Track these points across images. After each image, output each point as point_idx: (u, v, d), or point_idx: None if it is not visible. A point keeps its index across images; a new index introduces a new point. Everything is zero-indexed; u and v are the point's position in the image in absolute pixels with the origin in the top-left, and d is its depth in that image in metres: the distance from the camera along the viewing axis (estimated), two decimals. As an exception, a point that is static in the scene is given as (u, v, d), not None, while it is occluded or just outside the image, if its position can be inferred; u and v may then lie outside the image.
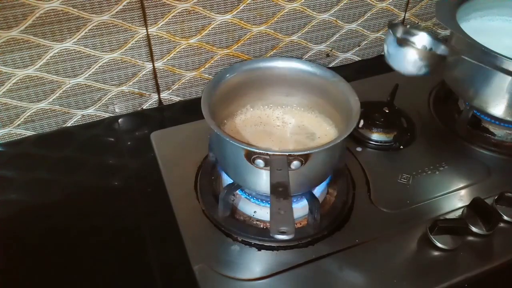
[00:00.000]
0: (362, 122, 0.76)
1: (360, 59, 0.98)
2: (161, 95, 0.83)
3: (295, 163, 0.51)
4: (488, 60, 0.67)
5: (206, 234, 0.61)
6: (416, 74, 0.65)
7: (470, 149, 0.76)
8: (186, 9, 0.73)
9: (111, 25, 0.70)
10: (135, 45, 0.74)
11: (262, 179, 0.56)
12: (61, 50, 0.69)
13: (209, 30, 0.78)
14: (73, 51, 0.70)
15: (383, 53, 0.99)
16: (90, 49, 0.71)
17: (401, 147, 0.75)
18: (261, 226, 0.62)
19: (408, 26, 0.68)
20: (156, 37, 0.75)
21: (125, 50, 0.74)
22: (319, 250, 0.60)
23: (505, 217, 0.63)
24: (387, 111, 0.78)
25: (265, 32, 0.83)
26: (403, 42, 0.66)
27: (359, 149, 0.74)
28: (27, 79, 0.70)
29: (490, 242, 0.61)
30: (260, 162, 0.52)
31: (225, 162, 0.60)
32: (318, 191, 0.64)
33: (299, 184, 0.57)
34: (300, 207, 0.64)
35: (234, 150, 0.54)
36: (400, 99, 0.81)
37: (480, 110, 0.76)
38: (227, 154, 0.58)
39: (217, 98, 0.60)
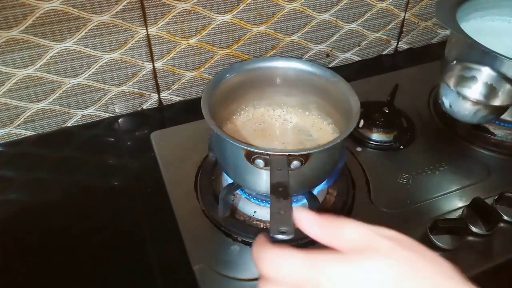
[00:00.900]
0: (362, 122, 0.76)
1: (360, 59, 0.98)
2: (161, 95, 0.83)
3: (295, 163, 0.51)
4: (488, 60, 0.67)
5: (206, 234, 0.61)
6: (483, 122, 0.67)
7: (470, 149, 0.76)
8: (186, 9, 0.74)
9: (111, 25, 0.70)
10: (135, 45, 0.74)
11: (261, 179, 0.56)
12: (61, 50, 0.69)
13: (209, 30, 0.78)
14: (73, 51, 0.70)
15: (384, 53, 0.99)
16: (90, 49, 0.71)
17: (401, 147, 0.75)
18: (261, 226, 0.62)
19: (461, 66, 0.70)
20: (156, 37, 0.75)
21: (125, 50, 0.74)
22: (319, 250, 0.60)
23: (505, 217, 0.63)
24: (387, 111, 0.78)
25: (265, 32, 0.83)
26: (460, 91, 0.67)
27: (359, 149, 0.74)
28: (27, 79, 0.70)
29: (490, 242, 0.61)
30: (260, 162, 0.52)
31: (225, 162, 0.60)
32: (318, 191, 0.64)
33: (298, 184, 0.57)
34: (300, 207, 0.63)
35: (234, 150, 0.54)
36: (400, 99, 0.81)
37: (480, 110, 0.76)
38: (227, 154, 0.58)
39: (217, 98, 0.60)
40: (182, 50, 0.78)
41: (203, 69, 0.83)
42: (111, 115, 0.81)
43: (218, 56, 0.82)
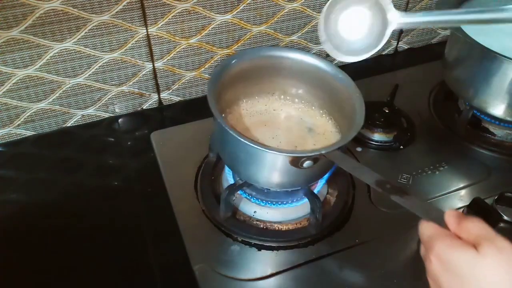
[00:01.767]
0: (362, 122, 0.76)
1: (360, 59, 0.98)
2: (161, 95, 0.83)
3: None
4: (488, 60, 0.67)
5: (206, 234, 0.61)
6: None
7: (470, 149, 0.76)
8: (186, 9, 0.73)
9: (111, 25, 0.70)
10: (135, 45, 0.74)
11: (275, 175, 0.56)
12: (61, 50, 0.69)
13: (209, 30, 0.78)
14: (73, 51, 0.70)
15: (384, 53, 0.99)
16: (90, 49, 0.71)
17: (401, 147, 0.75)
18: (261, 226, 0.62)
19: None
20: (156, 37, 0.75)
21: (125, 50, 0.74)
22: (319, 250, 0.60)
23: (505, 217, 0.63)
24: (387, 111, 0.78)
25: (265, 32, 0.83)
26: None
27: (359, 149, 0.74)
28: (27, 79, 0.70)
29: (490, 242, 0.61)
30: (309, 163, 0.52)
31: (235, 160, 0.58)
32: (318, 190, 0.64)
33: (303, 180, 0.58)
34: (300, 207, 0.64)
35: (249, 150, 0.53)
36: (400, 99, 0.81)
37: (480, 110, 0.76)
38: (238, 153, 0.56)
39: (223, 83, 0.59)
40: (182, 50, 0.78)
41: (203, 69, 0.83)
42: (111, 115, 0.81)
43: (218, 56, 0.82)
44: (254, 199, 0.63)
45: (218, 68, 0.59)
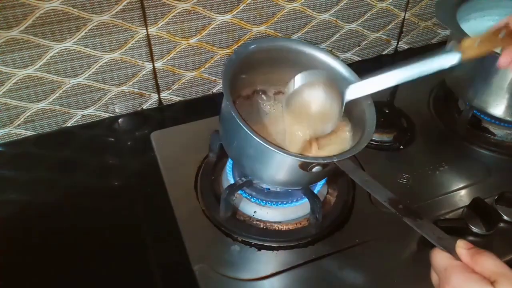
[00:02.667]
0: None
1: (360, 59, 0.98)
2: (161, 95, 0.83)
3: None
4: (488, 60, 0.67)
5: (206, 234, 0.61)
6: None
7: (470, 149, 0.76)
8: (186, 9, 0.73)
9: (111, 25, 0.70)
10: (135, 45, 0.74)
11: (280, 174, 0.56)
12: (61, 50, 0.69)
13: (209, 30, 0.78)
14: (73, 51, 0.70)
15: (384, 53, 0.99)
16: (90, 49, 0.71)
17: (401, 147, 0.75)
18: (261, 226, 0.62)
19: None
20: (156, 37, 0.75)
21: (125, 50, 0.74)
22: (319, 250, 0.60)
23: (505, 217, 0.63)
24: (387, 111, 0.78)
25: (265, 32, 0.83)
26: None
27: (359, 149, 0.74)
28: (27, 79, 0.70)
29: (490, 242, 0.61)
30: (318, 168, 0.51)
31: (242, 154, 0.57)
32: (317, 190, 0.64)
33: (306, 181, 0.58)
34: (300, 207, 0.64)
35: (260, 147, 0.52)
36: (400, 99, 0.81)
37: (480, 110, 0.76)
38: (247, 148, 0.55)
39: (239, 70, 0.58)
40: (182, 50, 0.78)
41: (203, 69, 0.83)
42: (111, 115, 0.81)
43: (218, 56, 0.82)
44: (254, 199, 0.63)
45: (234, 56, 0.57)
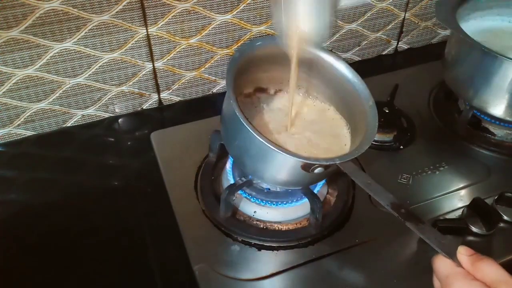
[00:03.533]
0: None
1: (360, 59, 0.98)
2: (161, 95, 0.83)
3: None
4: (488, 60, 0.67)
5: (206, 234, 0.61)
6: None
7: (470, 149, 0.76)
8: (186, 9, 0.73)
9: (111, 25, 0.70)
10: (135, 45, 0.74)
11: (282, 174, 0.56)
12: (61, 50, 0.69)
13: (209, 30, 0.78)
14: (73, 51, 0.70)
15: (384, 53, 0.99)
16: (90, 49, 0.71)
17: (401, 147, 0.75)
18: (261, 226, 0.62)
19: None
20: (156, 37, 0.75)
21: (125, 50, 0.74)
22: (319, 250, 0.60)
23: (505, 217, 0.63)
24: (387, 111, 0.78)
25: (265, 32, 0.83)
26: None
27: (359, 149, 0.74)
28: (27, 79, 0.70)
29: (490, 242, 0.61)
30: (320, 169, 0.51)
31: (243, 153, 0.57)
32: (317, 190, 0.64)
33: (303, 181, 0.58)
34: (300, 207, 0.64)
35: (263, 147, 0.51)
36: (400, 99, 0.81)
37: (480, 110, 0.76)
38: (249, 147, 0.55)
39: (243, 67, 0.57)
40: (182, 50, 0.78)
41: (203, 69, 0.83)
42: (111, 115, 0.81)
43: (218, 56, 0.82)
44: (254, 199, 0.63)
45: (237, 54, 0.57)
